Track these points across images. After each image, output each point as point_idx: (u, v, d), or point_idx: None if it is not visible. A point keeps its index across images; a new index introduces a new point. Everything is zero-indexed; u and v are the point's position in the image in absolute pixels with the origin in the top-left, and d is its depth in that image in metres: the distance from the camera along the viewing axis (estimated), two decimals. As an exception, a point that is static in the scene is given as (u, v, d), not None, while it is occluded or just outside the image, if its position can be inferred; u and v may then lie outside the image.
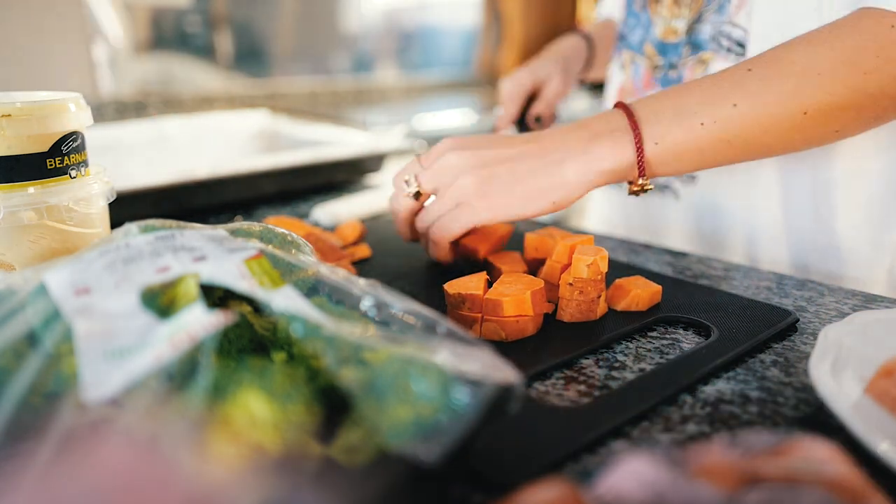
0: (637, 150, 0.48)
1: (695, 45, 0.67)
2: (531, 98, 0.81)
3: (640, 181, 0.50)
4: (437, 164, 0.51)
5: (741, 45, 0.63)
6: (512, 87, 0.79)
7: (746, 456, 0.24)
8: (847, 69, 0.46)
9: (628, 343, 0.43)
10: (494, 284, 0.44)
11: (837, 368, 0.35)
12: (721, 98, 0.48)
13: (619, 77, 0.77)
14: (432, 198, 0.52)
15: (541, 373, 0.39)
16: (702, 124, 0.48)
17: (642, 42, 0.73)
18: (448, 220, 0.50)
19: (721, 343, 0.42)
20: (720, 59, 0.65)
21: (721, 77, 0.49)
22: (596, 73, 0.89)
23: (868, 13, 0.47)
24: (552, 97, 0.80)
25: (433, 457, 0.24)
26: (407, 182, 0.52)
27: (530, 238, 0.52)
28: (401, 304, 0.31)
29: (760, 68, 0.48)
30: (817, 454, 0.23)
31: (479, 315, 0.43)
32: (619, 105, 0.50)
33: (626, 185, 0.61)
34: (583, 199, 0.52)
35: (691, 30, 0.67)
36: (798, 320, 0.46)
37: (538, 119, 0.80)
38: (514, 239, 0.63)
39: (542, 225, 0.73)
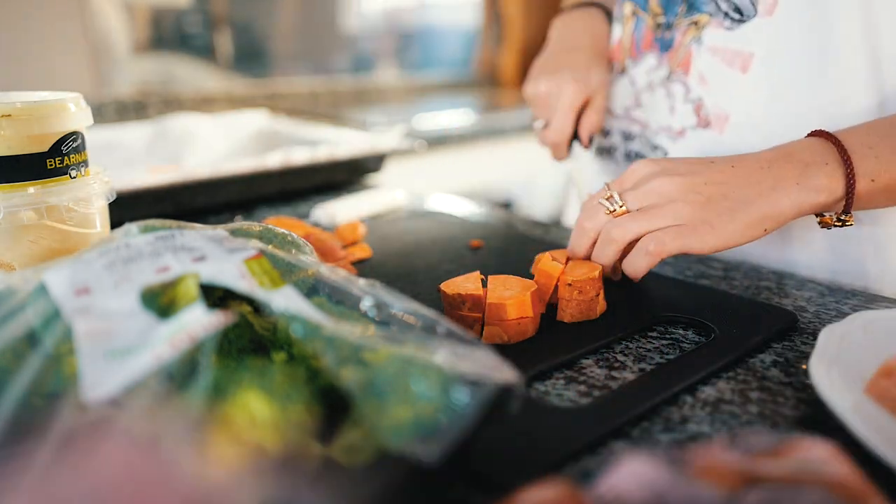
0: (848, 185, 0.46)
1: (691, 5, 0.61)
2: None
3: (844, 216, 0.48)
4: (645, 186, 0.48)
5: (739, 11, 0.58)
6: (566, 104, 0.65)
7: (746, 456, 0.24)
8: None
9: (628, 343, 0.43)
10: (489, 288, 0.43)
11: (837, 368, 0.35)
12: None
13: (616, 31, 0.69)
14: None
15: (541, 374, 0.39)
16: None
17: None
18: (667, 235, 0.46)
19: (721, 343, 0.42)
20: (715, 24, 0.59)
21: None
22: None
23: None
24: (601, 109, 0.68)
25: (433, 457, 0.24)
26: (609, 199, 0.50)
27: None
28: (400, 304, 0.31)
29: None
30: (817, 454, 0.23)
31: (480, 315, 0.43)
32: (821, 134, 0.48)
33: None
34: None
35: None
36: (798, 320, 0.46)
37: (591, 139, 0.68)
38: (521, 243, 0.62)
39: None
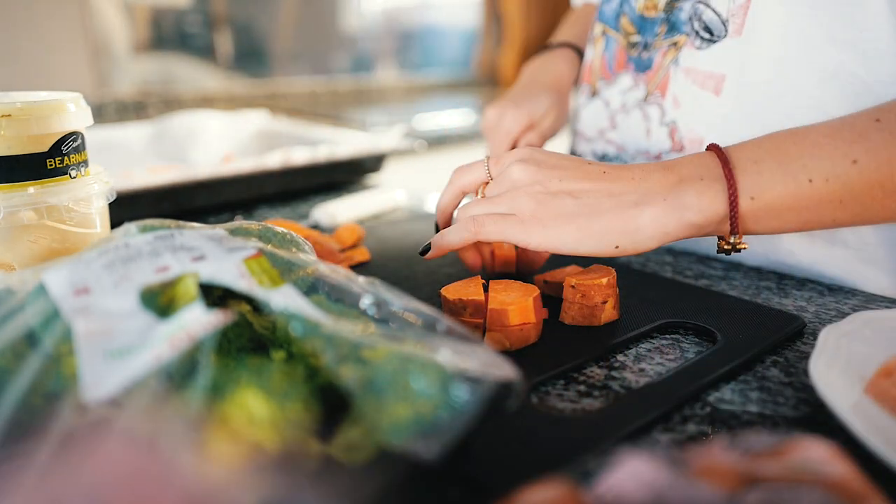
0: (731, 203, 0.41)
1: (672, 25, 0.59)
2: None
3: (732, 239, 0.43)
4: (503, 173, 0.47)
5: (710, 30, 0.56)
6: (505, 128, 0.67)
7: (746, 456, 0.24)
8: None
9: (633, 350, 0.43)
10: (490, 294, 0.43)
11: (837, 368, 0.35)
12: (839, 152, 0.40)
13: (588, 53, 0.70)
14: None
15: (545, 381, 0.38)
16: (810, 181, 0.40)
17: (618, 15, 0.65)
18: (490, 219, 0.45)
19: (727, 350, 0.41)
20: (690, 45, 0.58)
21: (840, 125, 0.41)
22: None
23: None
24: (546, 134, 0.70)
25: (433, 454, 0.24)
26: (477, 193, 0.49)
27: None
28: (400, 302, 0.31)
29: (892, 119, 0.40)
30: (817, 454, 0.23)
31: (481, 321, 0.42)
32: (712, 147, 0.44)
33: None
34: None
35: (671, 6, 0.60)
36: (805, 325, 0.45)
37: None
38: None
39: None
